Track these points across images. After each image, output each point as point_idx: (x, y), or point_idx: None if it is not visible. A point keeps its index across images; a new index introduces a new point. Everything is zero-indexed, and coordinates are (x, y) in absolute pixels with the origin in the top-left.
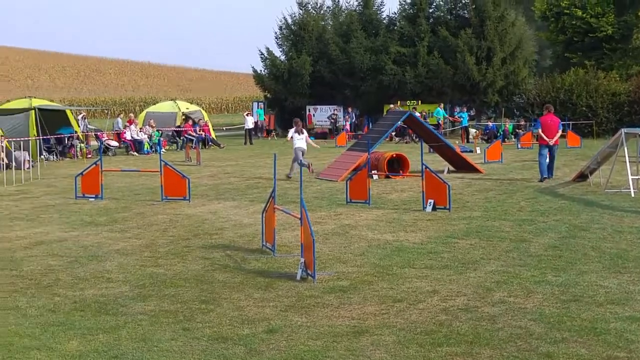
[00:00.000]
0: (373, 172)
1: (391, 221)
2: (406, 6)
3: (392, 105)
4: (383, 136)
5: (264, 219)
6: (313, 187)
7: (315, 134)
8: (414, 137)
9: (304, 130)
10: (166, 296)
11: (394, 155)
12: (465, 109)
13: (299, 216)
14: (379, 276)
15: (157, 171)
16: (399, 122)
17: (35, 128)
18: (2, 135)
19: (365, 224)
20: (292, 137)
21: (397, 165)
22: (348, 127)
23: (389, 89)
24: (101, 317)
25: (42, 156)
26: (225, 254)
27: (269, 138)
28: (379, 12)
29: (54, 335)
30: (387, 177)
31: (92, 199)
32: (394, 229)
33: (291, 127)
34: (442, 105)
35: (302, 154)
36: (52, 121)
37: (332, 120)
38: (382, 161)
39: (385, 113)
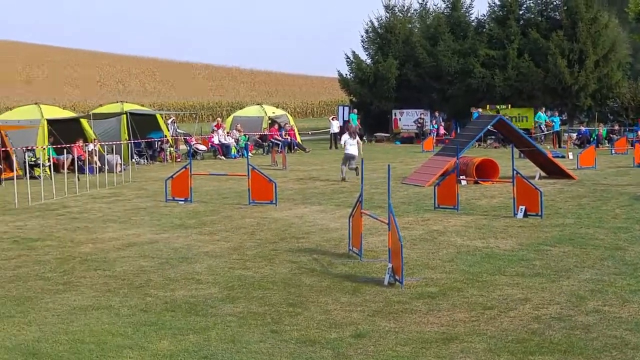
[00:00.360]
0: (461, 177)
1: (481, 227)
2: (495, 8)
3: (479, 110)
4: (472, 141)
5: (350, 223)
6: (400, 192)
7: (402, 139)
8: (504, 142)
9: (356, 135)
10: (254, 298)
11: (484, 161)
12: (557, 113)
13: (387, 221)
14: (469, 283)
15: (245, 175)
16: (489, 126)
17: (126, 132)
18: (95, 139)
19: (454, 230)
20: (344, 142)
21: (486, 171)
22: (443, 130)
23: (477, 92)
24: (191, 318)
25: (133, 160)
26: (312, 258)
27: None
28: (467, 14)
29: (145, 335)
30: (476, 182)
31: (182, 202)
32: (484, 235)
33: (376, 131)
34: (543, 109)
35: (351, 160)
36: (142, 125)
37: (419, 125)
38: (471, 166)
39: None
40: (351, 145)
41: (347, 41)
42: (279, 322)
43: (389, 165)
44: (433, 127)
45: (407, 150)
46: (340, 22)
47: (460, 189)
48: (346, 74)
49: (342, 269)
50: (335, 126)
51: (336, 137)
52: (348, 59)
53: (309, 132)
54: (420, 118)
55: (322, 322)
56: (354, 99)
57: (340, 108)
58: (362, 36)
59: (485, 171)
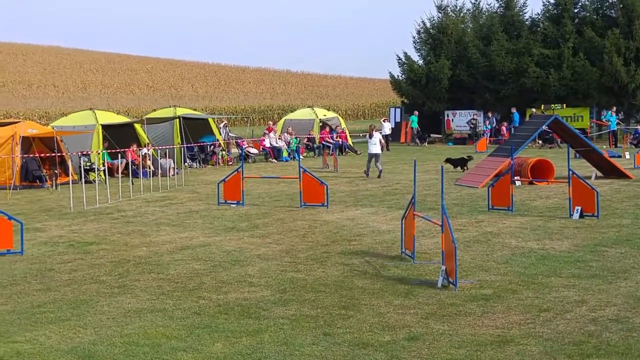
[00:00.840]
0: (516, 178)
1: (536, 229)
2: (550, 7)
3: (533, 110)
4: (526, 141)
5: (403, 225)
6: (453, 193)
7: (454, 140)
8: (559, 142)
9: (375, 134)
10: (306, 301)
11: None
12: (613, 113)
13: (440, 223)
14: (524, 285)
15: (296, 178)
16: (544, 127)
17: (179, 136)
18: (148, 143)
19: (509, 231)
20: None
21: (541, 171)
22: (505, 131)
23: (532, 92)
24: (244, 321)
25: (185, 163)
26: (364, 260)
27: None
28: (521, 13)
29: (199, 338)
30: (530, 183)
31: (234, 205)
32: (539, 236)
33: (428, 132)
34: (614, 109)
35: (374, 159)
36: (195, 129)
37: (472, 126)
38: (526, 167)
39: (527, 117)
40: (373, 145)
41: (398, 42)
42: (332, 324)
43: (442, 167)
44: (486, 127)
45: (460, 152)
46: (392, 23)
47: (514, 189)
48: (398, 75)
49: (395, 272)
50: (386, 128)
51: (387, 139)
52: (400, 60)
53: (360, 134)
54: (473, 119)
55: (375, 324)
56: (405, 101)
57: (392, 110)
58: (414, 37)
59: (540, 171)
